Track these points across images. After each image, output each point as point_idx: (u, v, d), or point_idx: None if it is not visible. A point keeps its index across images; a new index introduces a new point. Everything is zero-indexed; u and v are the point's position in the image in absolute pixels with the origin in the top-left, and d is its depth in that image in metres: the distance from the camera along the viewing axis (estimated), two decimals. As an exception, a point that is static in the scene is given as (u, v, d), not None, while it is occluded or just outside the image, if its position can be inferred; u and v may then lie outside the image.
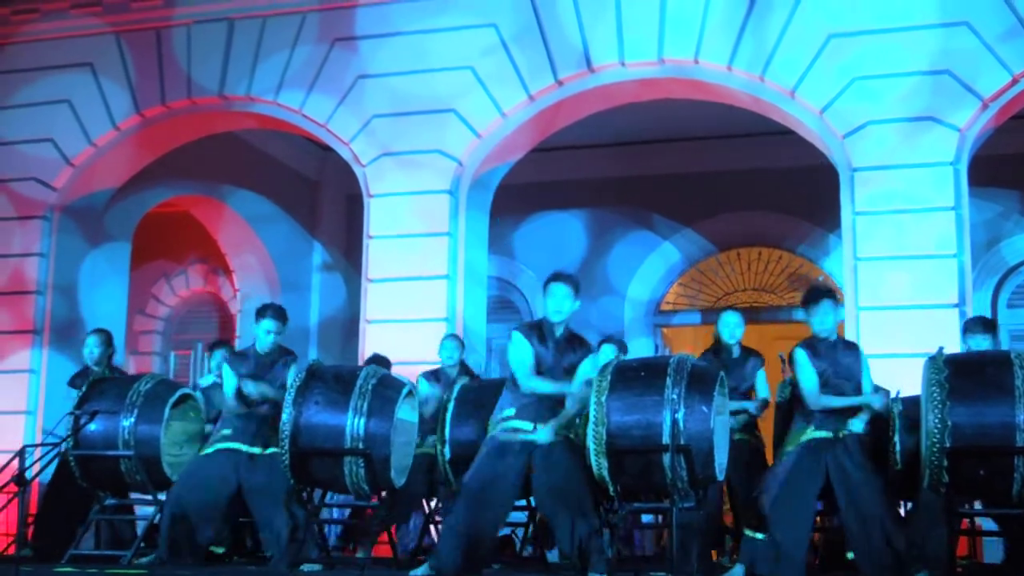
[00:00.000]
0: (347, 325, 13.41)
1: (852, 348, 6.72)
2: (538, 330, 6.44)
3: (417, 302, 9.78)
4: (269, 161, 13.43)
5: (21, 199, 11.00)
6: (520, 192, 12.18)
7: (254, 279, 13.66)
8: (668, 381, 6.15)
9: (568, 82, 9.88)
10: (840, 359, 6.54)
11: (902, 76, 9.06)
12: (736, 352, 7.69)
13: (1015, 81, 8.89)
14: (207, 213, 13.38)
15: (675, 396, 6.12)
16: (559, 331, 6.44)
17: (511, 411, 6.36)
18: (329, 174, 14.00)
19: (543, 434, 6.26)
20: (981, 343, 7.25)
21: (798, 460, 6.42)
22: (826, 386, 6.47)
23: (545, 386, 6.33)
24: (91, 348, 8.48)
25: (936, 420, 5.90)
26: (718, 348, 7.71)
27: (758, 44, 9.37)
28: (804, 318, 6.69)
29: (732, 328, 7.68)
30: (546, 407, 6.32)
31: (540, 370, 6.37)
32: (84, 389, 7.75)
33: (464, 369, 8.54)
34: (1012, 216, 12.29)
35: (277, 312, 7.34)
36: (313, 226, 14.23)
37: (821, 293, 6.66)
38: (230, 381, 7.19)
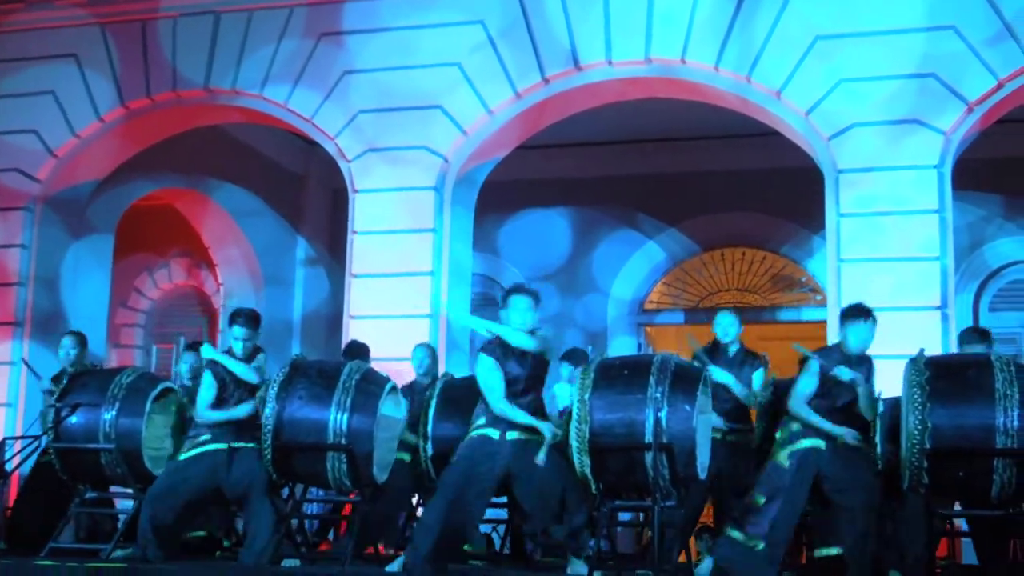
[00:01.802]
0: (330, 320, 13.39)
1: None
2: (503, 346, 6.46)
3: (401, 298, 9.77)
4: (254, 155, 13.39)
5: (3, 190, 10.94)
6: (505, 189, 12.17)
7: (237, 273, 13.63)
8: (651, 380, 6.17)
9: (555, 80, 9.88)
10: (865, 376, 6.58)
11: (888, 79, 9.09)
12: (732, 351, 7.68)
13: (1000, 85, 8.93)
14: (191, 206, 13.34)
15: (658, 395, 6.13)
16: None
17: (483, 420, 6.48)
18: (314, 169, 13.98)
19: (545, 427, 6.32)
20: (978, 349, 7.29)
21: (796, 473, 6.44)
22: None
23: (516, 415, 6.39)
24: (66, 350, 8.42)
25: (916, 422, 5.93)
26: (715, 347, 7.68)
27: (745, 45, 9.39)
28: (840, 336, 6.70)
29: (725, 327, 7.65)
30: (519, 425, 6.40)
31: (512, 387, 6.43)
32: (65, 383, 7.72)
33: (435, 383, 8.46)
34: (995, 220, 12.34)
35: (247, 318, 7.28)
36: (297, 221, 14.21)
37: (862, 311, 6.65)
38: (207, 392, 7.14)
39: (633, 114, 11.42)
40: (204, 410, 7.11)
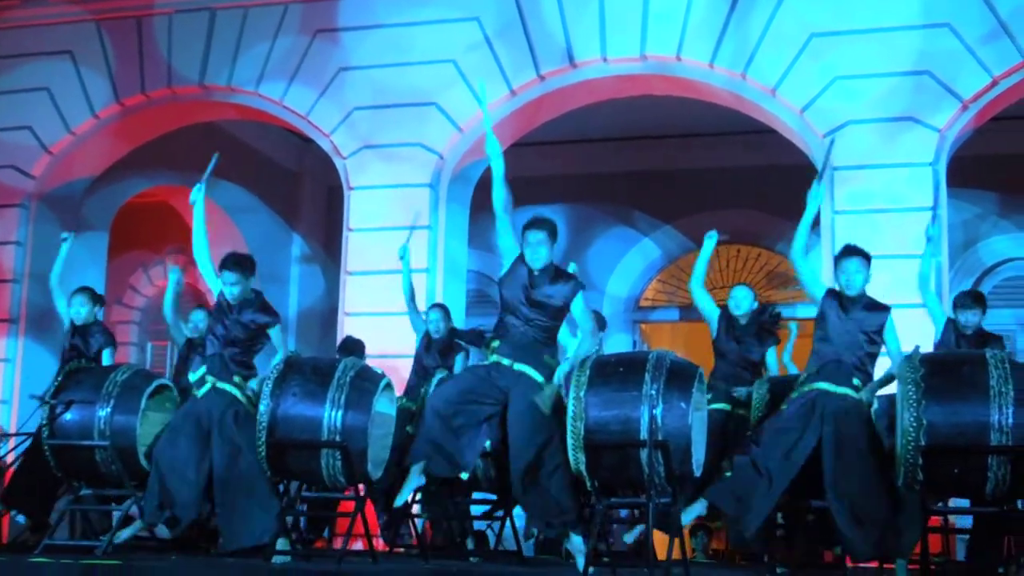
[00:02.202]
0: (325, 317, 13.38)
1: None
2: (525, 261, 6.45)
3: (396, 295, 9.70)
4: (249, 152, 13.38)
5: (-2, 187, 10.96)
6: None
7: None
8: (647, 376, 6.15)
9: (550, 77, 9.89)
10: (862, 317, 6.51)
11: (883, 76, 9.10)
12: (744, 322, 7.84)
13: (995, 83, 8.95)
14: (186, 203, 13.16)
15: (653, 392, 6.12)
16: (538, 270, 6.44)
17: (496, 343, 6.41)
18: (309, 166, 13.97)
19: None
20: (971, 318, 7.47)
21: (795, 403, 6.38)
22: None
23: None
24: (77, 308, 8.35)
25: (911, 418, 5.93)
26: (730, 319, 7.86)
27: (740, 42, 9.40)
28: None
29: (738, 300, 7.89)
30: (529, 348, 6.33)
31: (515, 293, 6.38)
32: (60, 379, 7.70)
33: (452, 335, 8.56)
34: (989, 217, 12.36)
35: (236, 261, 7.22)
36: (292, 218, 14.19)
37: (852, 250, 6.62)
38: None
39: (628, 111, 11.42)
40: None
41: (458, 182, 10.28)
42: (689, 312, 13.26)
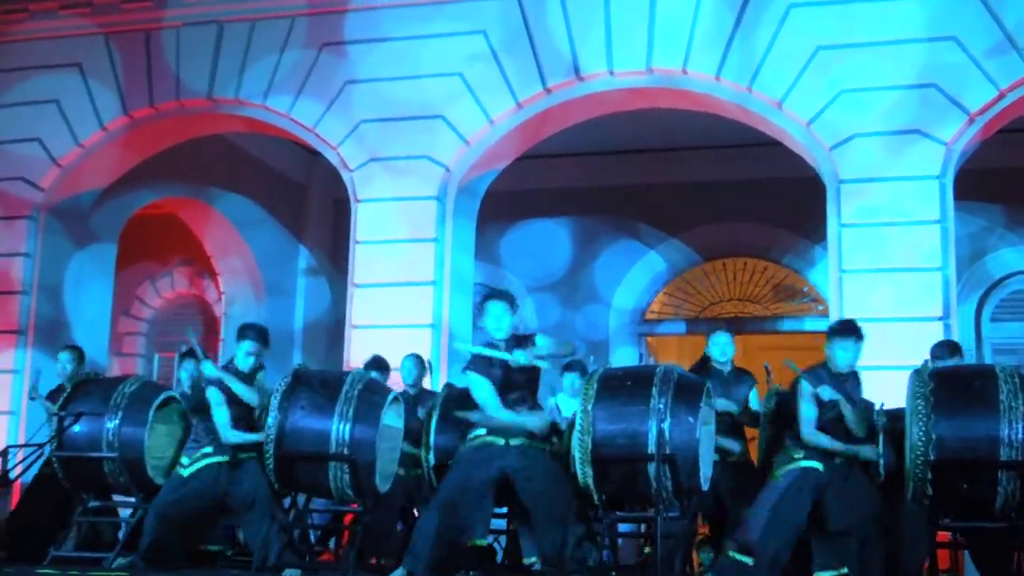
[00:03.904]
0: (332, 330, 13.39)
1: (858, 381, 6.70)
2: (487, 359, 6.44)
3: (403, 307, 9.78)
4: (256, 164, 13.41)
5: (8, 199, 10.97)
6: (507, 199, 12.19)
7: (239, 282, 13.64)
8: (654, 391, 6.17)
9: (556, 90, 9.90)
10: (851, 392, 6.55)
11: (889, 89, 9.11)
12: (727, 370, 7.69)
13: (1001, 95, 8.94)
14: (193, 215, 13.35)
15: (661, 406, 6.13)
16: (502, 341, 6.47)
17: (483, 431, 6.45)
18: (316, 178, 13.99)
19: (532, 421, 6.33)
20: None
21: (788, 488, 6.43)
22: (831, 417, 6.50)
23: (514, 418, 6.38)
24: (63, 364, 8.41)
25: (921, 433, 5.92)
26: (707, 367, 7.66)
27: (746, 55, 9.41)
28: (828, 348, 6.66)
29: (723, 347, 7.67)
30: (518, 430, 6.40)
31: (508, 393, 6.40)
32: (65, 395, 7.72)
33: (423, 393, 8.43)
34: (996, 230, 12.35)
35: (258, 334, 7.22)
36: (299, 230, 14.21)
37: (853, 329, 6.62)
38: (223, 412, 7.05)
39: (634, 124, 11.43)
40: (229, 431, 6.98)
41: (465, 195, 10.29)
42: (695, 325, 13.27)
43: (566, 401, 7.97)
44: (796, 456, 6.49)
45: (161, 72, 10.78)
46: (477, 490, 6.36)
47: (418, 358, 8.57)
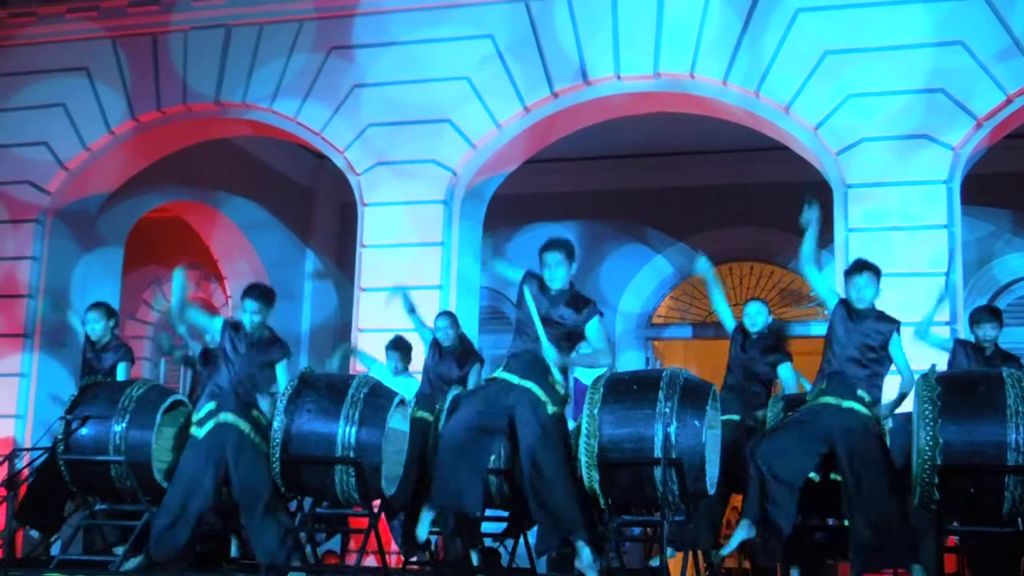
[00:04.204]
0: (338, 333, 13.39)
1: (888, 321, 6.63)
2: (540, 282, 6.46)
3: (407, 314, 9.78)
4: (263, 168, 13.43)
5: (14, 202, 10.99)
6: (514, 203, 12.18)
7: (246, 286, 13.62)
8: (660, 395, 6.17)
9: (564, 94, 9.90)
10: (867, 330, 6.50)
11: (897, 94, 9.10)
12: (756, 337, 7.85)
13: (1009, 101, 8.93)
14: (200, 219, 13.37)
15: (667, 410, 6.13)
16: (556, 291, 6.45)
17: (501, 367, 6.44)
18: (323, 182, 14.00)
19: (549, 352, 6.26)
20: (989, 332, 7.53)
21: (803, 413, 6.38)
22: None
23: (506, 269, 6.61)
24: (92, 324, 8.38)
25: (928, 437, 5.92)
26: (745, 335, 7.86)
27: (754, 59, 9.41)
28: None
29: (752, 316, 7.88)
30: (536, 366, 6.33)
31: (532, 315, 6.37)
32: (75, 392, 7.72)
33: (464, 342, 8.50)
34: (1003, 235, 12.33)
35: (261, 293, 7.24)
36: (306, 234, 14.23)
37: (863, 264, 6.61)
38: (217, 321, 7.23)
39: (641, 128, 11.44)
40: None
41: (471, 199, 10.29)
42: (702, 329, 13.26)
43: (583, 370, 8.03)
44: (815, 395, 6.44)
45: (168, 76, 10.80)
46: (484, 434, 6.34)
47: (451, 315, 8.60)
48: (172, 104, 10.80)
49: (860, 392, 6.32)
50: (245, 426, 6.97)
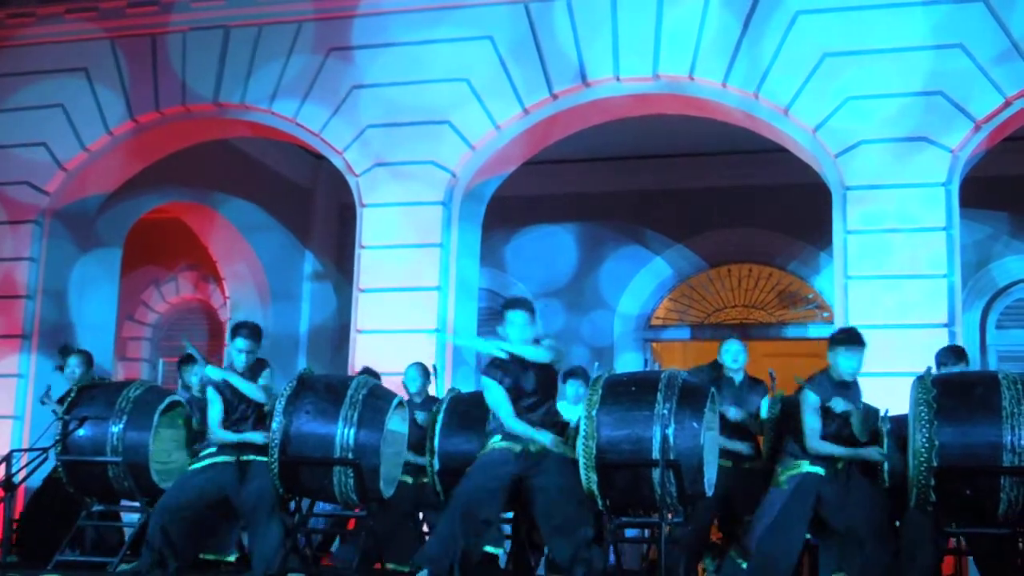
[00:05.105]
0: (337, 334, 13.39)
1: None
2: (504, 365, 6.43)
3: (408, 313, 9.78)
4: (262, 169, 13.43)
5: (13, 203, 10.98)
6: (513, 205, 12.19)
7: (244, 287, 13.65)
8: (659, 396, 6.17)
9: (563, 96, 9.90)
10: (853, 400, 6.54)
11: (896, 96, 9.10)
12: (739, 379, 7.69)
13: (1008, 103, 8.94)
14: (199, 220, 13.37)
15: (665, 411, 6.13)
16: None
17: (498, 437, 6.44)
18: (322, 183, 14.00)
19: (545, 437, 6.28)
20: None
21: (792, 494, 6.42)
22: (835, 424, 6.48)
23: (529, 431, 6.37)
24: (72, 369, 8.45)
25: (923, 439, 5.93)
26: (720, 374, 7.66)
27: (753, 62, 9.41)
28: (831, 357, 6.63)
29: (735, 354, 7.68)
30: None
31: (523, 401, 6.40)
32: (72, 397, 7.72)
33: (428, 400, 8.42)
34: (1002, 238, 12.34)
35: (251, 331, 7.25)
36: (305, 235, 14.23)
37: (855, 337, 6.60)
38: (216, 411, 7.12)
39: (640, 130, 11.44)
40: (217, 429, 7.08)
41: (470, 200, 10.29)
42: (700, 331, 13.28)
43: (567, 408, 7.97)
44: (799, 462, 6.48)
45: (167, 77, 10.79)
46: (491, 495, 6.35)
47: (422, 366, 8.58)
48: (171, 105, 10.80)
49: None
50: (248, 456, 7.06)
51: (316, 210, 14.28)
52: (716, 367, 7.73)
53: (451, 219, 10.09)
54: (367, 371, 8.68)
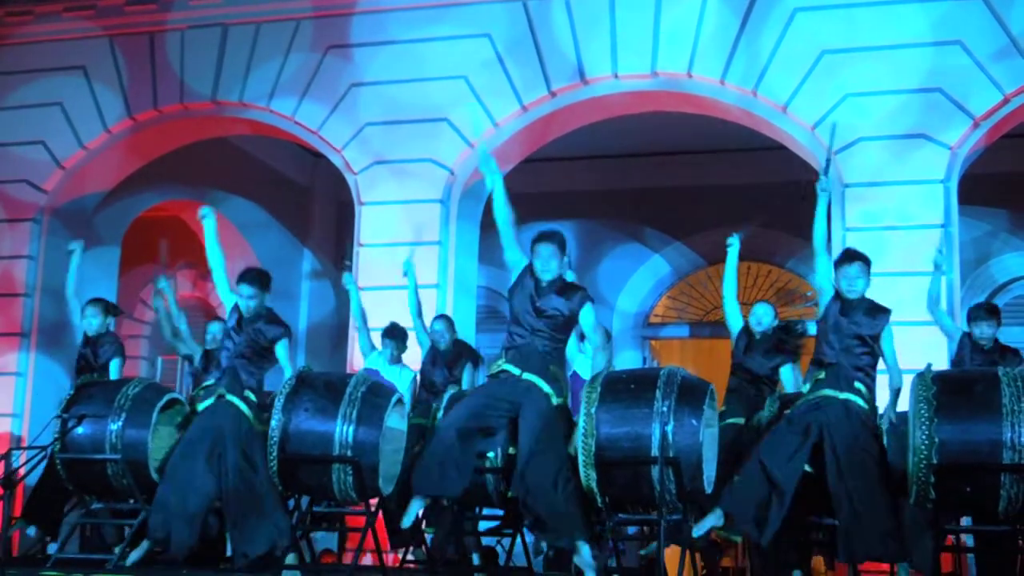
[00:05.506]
0: (336, 332, 13.39)
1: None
2: (533, 272, 6.47)
3: (406, 311, 9.75)
4: (260, 167, 13.42)
5: (11, 201, 10.99)
6: (511, 202, 12.15)
7: (243, 285, 13.62)
8: (658, 394, 6.16)
9: (561, 93, 9.91)
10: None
11: (894, 93, 9.11)
12: (760, 338, 7.77)
13: (1006, 100, 8.95)
14: (197, 218, 13.34)
15: (665, 409, 6.12)
16: (547, 282, 6.45)
17: (502, 360, 6.41)
18: (320, 181, 14.00)
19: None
20: (987, 330, 7.56)
21: (801, 410, 6.34)
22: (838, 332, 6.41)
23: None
24: (89, 319, 8.43)
25: (923, 436, 5.92)
26: (751, 338, 7.79)
27: (751, 59, 9.41)
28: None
29: (759, 316, 7.80)
30: (536, 358, 6.32)
31: (522, 303, 6.40)
32: (71, 392, 7.72)
33: (457, 346, 8.62)
34: (1000, 235, 12.35)
35: (255, 277, 7.26)
36: (303, 233, 14.22)
37: (853, 255, 6.57)
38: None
39: (639, 128, 11.44)
40: None
41: (468, 198, 10.29)
42: (699, 329, 13.27)
43: (581, 362, 8.00)
44: (812, 388, 6.42)
45: (165, 75, 10.79)
46: (489, 413, 6.34)
47: (446, 318, 8.79)
48: (169, 103, 10.80)
49: (857, 384, 6.31)
50: (241, 405, 6.97)
51: (315, 208, 14.28)
52: (746, 331, 7.84)
53: (449, 217, 10.10)
54: (393, 327, 8.72)
